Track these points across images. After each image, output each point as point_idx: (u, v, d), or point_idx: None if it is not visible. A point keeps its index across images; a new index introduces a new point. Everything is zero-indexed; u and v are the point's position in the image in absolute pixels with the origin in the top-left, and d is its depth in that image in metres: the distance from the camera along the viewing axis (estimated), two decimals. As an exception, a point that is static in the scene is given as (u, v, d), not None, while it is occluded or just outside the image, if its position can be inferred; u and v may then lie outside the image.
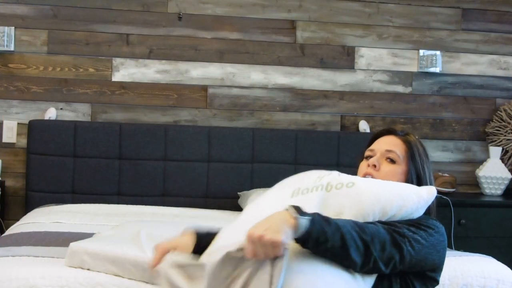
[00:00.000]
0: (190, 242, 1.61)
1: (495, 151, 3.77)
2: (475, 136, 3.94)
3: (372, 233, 1.42)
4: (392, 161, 1.71)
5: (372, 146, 1.77)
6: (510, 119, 3.84)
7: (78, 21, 3.55)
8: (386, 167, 1.70)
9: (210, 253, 1.47)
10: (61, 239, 2.28)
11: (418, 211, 1.58)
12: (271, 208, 1.43)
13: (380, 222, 1.51)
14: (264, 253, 1.29)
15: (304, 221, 1.32)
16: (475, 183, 3.87)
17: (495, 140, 3.87)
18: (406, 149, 1.72)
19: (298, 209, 1.35)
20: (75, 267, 1.93)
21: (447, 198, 3.42)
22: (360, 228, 1.41)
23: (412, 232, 1.50)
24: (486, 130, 3.92)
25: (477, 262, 2.26)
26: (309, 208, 1.41)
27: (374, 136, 1.82)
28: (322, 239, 1.34)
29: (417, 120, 3.87)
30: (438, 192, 3.76)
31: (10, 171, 3.49)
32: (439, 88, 3.90)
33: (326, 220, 1.37)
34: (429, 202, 1.60)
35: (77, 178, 3.37)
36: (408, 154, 1.71)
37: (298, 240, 1.35)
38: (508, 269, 2.25)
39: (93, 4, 3.56)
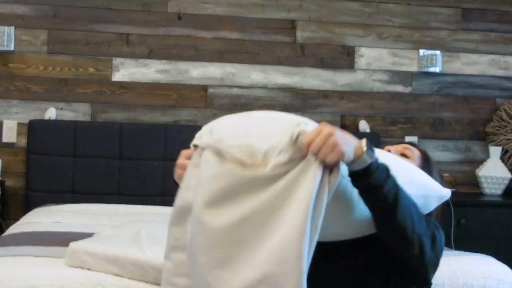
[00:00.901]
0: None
1: (495, 151, 3.77)
2: (475, 136, 3.94)
3: (429, 222, 1.39)
4: (406, 156, 1.68)
5: (389, 147, 1.77)
6: (510, 119, 3.84)
7: (78, 21, 3.55)
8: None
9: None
10: (61, 239, 2.28)
11: (432, 200, 1.54)
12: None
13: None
14: (321, 150, 1.21)
15: (368, 159, 1.27)
16: (475, 183, 3.87)
17: (495, 140, 3.87)
18: (421, 154, 1.71)
19: (370, 148, 1.29)
20: (75, 267, 1.93)
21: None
22: (414, 204, 1.37)
23: (436, 229, 1.47)
24: (486, 130, 3.92)
25: (477, 262, 2.26)
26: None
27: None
28: (376, 186, 1.29)
29: (417, 120, 3.87)
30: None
31: (10, 171, 3.49)
32: (439, 88, 3.90)
33: (388, 174, 1.31)
34: (444, 198, 1.57)
35: (77, 178, 3.37)
36: (422, 158, 1.70)
37: (353, 174, 1.29)
38: (508, 269, 2.25)
39: (93, 4, 3.56)
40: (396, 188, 1.31)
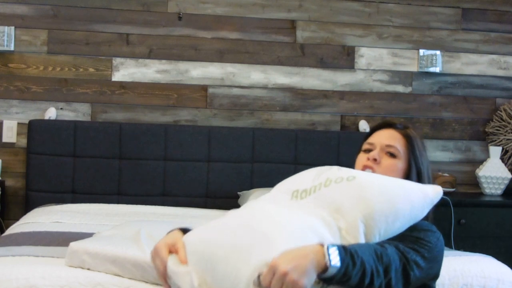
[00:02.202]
0: (178, 235, 1.55)
1: (495, 151, 3.77)
2: (475, 136, 3.94)
3: (389, 261, 1.39)
4: (393, 155, 1.67)
5: (371, 139, 1.73)
6: (510, 119, 3.84)
7: (78, 21, 3.55)
8: (386, 161, 1.66)
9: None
10: (61, 239, 2.28)
11: (422, 210, 1.53)
12: (270, 211, 1.39)
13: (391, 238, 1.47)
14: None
15: (335, 270, 1.27)
16: (475, 183, 3.87)
17: (495, 140, 3.87)
18: (406, 144, 1.68)
19: (330, 248, 1.28)
20: (75, 267, 1.93)
21: (447, 198, 3.42)
22: (380, 256, 1.37)
23: (417, 252, 1.47)
24: (486, 130, 3.92)
25: (477, 262, 2.26)
26: (305, 212, 1.36)
27: (373, 129, 1.78)
28: (344, 279, 1.30)
29: (417, 120, 3.87)
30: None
31: (10, 171, 3.49)
32: (439, 88, 3.90)
33: (352, 257, 1.31)
34: (435, 202, 1.56)
35: (77, 178, 3.37)
36: (408, 149, 1.68)
37: (320, 277, 1.30)
38: (508, 269, 2.25)
39: (93, 4, 3.56)
40: (363, 266, 1.32)
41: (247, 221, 1.43)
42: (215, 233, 1.44)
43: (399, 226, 1.47)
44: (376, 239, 1.43)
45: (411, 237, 1.50)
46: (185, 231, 1.57)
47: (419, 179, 1.66)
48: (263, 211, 1.47)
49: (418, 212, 1.50)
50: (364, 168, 1.68)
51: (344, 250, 1.29)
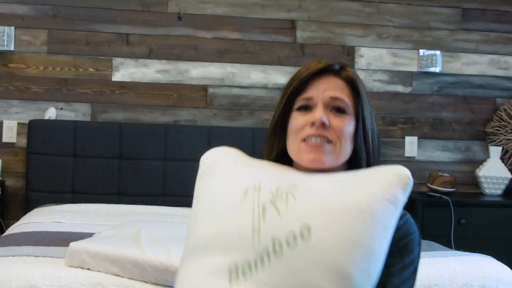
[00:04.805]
0: None
1: (495, 151, 3.77)
2: (475, 136, 3.94)
3: None
4: (341, 110, 1.26)
5: (308, 93, 1.28)
6: (510, 119, 3.84)
7: (78, 21, 3.55)
8: (336, 121, 1.25)
9: None
10: (61, 239, 2.28)
11: (397, 218, 1.16)
12: None
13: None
14: None
15: None
16: (475, 183, 3.87)
17: (495, 140, 3.87)
18: (351, 92, 1.29)
19: None
20: (75, 267, 1.93)
21: (447, 198, 3.42)
22: None
23: (408, 281, 1.20)
24: (486, 130, 3.92)
25: (477, 262, 2.26)
26: None
27: (305, 78, 1.30)
28: None
29: (417, 120, 3.87)
30: (438, 192, 3.77)
31: (10, 171, 3.49)
32: (439, 88, 3.90)
33: None
34: (406, 199, 1.17)
35: (77, 178, 3.37)
36: (354, 99, 1.29)
37: None
38: (508, 269, 2.25)
39: (93, 4, 3.56)
40: None
41: None
42: None
43: (381, 264, 1.12)
44: None
45: (395, 264, 1.19)
46: None
47: (365, 140, 1.29)
48: None
49: (393, 226, 1.15)
50: (309, 138, 1.24)
51: None
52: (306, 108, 1.27)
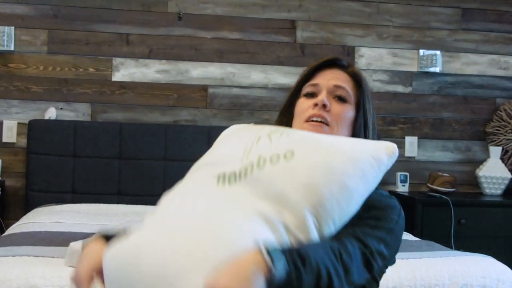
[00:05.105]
0: (100, 250, 1.25)
1: (495, 151, 3.77)
2: (475, 136, 3.94)
3: (350, 259, 1.16)
4: (342, 99, 1.40)
5: (315, 80, 1.43)
6: (510, 119, 3.84)
7: (78, 21, 3.55)
8: (336, 107, 1.39)
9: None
10: (61, 239, 2.28)
11: (377, 180, 1.27)
12: (196, 202, 1.17)
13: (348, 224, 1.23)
14: None
15: (280, 272, 1.03)
16: (475, 183, 3.87)
17: (495, 140, 3.87)
18: (355, 85, 1.43)
19: (271, 251, 1.04)
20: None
21: (447, 198, 3.42)
22: (339, 254, 1.15)
23: (379, 240, 1.25)
24: (486, 130, 3.92)
25: (477, 262, 2.26)
26: (240, 207, 1.12)
27: (314, 68, 1.47)
28: (296, 284, 1.06)
29: (417, 120, 3.87)
30: (438, 192, 3.77)
31: (10, 171, 3.49)
32: (439, 88, 3.90)
33: (302, 258, 1.08)
34: (390, 165, 1.28)
35: (77, 178, 3.37)
36: (357, 91, 1.42)
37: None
38: (508, 269, 2.25)
39: (93, 4, 3.56)
40: (317, 269, 1.09)
41: (173, 234, 1.14)
42: (133, 256, 1.16)
43: (354, 206, 1.22)
44: (331, 229, 1.19)
45: (369, 219, 1.26)
46: (109, 238, 1.28)
47: (365, 130, 1.41)
48: (190, 215, 1.17)
49: (372, 184, 1.25)
50: (311, 118, 1.38)
51: (290, 253, 1.07)
52: (312, 95, 1.42)
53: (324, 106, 1.37)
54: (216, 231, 1.11)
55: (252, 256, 1.03)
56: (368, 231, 1.24)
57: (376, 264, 1.23)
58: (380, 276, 1.37)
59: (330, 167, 1.20)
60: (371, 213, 1.27)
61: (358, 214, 1.24)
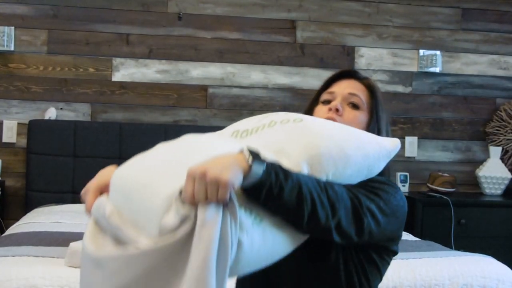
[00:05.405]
0: (110, 172, 1.42)
1: (495, 151, 3.77)
2: (475, 136, 3.94)
3: (336, 196, 1.21)
4: (355, 106, 1.50)
5: (332, 89, 1.55)
6: (510, 119, 3.84)
7: (78, 21, 3.55)
8: (349, 112, 1.48)
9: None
10: (61, 239, 2.28)
11: (378, 163, 1.36)
12: (205, 147, 1.24)
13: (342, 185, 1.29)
14: (206, 193, 1.05)
15: (259, 168, 1.09)
16: (475, 183, 3.87)
17: (495, 140, 3.87)
18: (369, 95, 1.53)
19: (254, 154, 1.11)
20: (75, 267, 1.93)
21: (447, 198, 3.42)
22: (324, 187, 1.20)
23: (371, 200, 1.29)
24: (486, 130, 3.92)
25: (477, 262, 2.26)
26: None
27: (332, 78, 1.59)
28: (276, 193, 1.12)
29: (417, 120, 3.87)
30: (438, 192, 3.77)
31: (10, 171, 3.49)
32: (439, 88, 3.90)
33: (285, 171, 1.15)
34: (392, 155, 1.40)
35: (77, 178, 3.37)
36: (371, 100, 1.52)
37: (247, 190, 1.12)
38: (508, 269, 2.25)
39: (93, 4, 3.56)
40: (299, 184, 1.16)
41: (172, 152, 1.31)
42: (135, 168, 1.32)
43: (350, 174, 1.30)
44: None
45: (364, 186, 1.32)
46: None
47: (378, 135, 1.48)
48: (191, 143, 1.35)
49: (372, 163, 1.34)
50: None
51: (273, 164, 1.14)
52: (329, 102, 1.52)
53: (337, 110, 1.47)
54: (206, 149, 1.24)
55: (235, 155, 1.11)
56: (361, 191, 1.30)
57: (366, 219, 1.25)
58: (384, 266, 1.39)
59: (332, 134, 1.31)
60: (368, 183, 1.34)
61: (355, 184, 1.32)
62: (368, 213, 1.26)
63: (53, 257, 2.03)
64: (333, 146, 1.28)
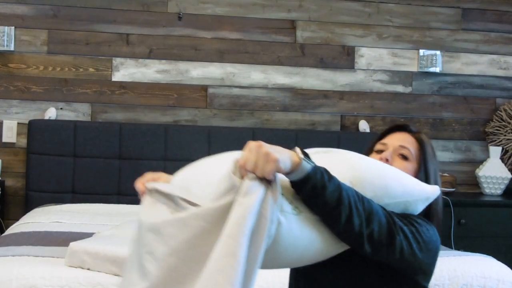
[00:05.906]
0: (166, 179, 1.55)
1: (495, 151, 3.77)
2: (475, 136, 3.94)
3: (371, 208, 1.32)
4: (405, 157, 1.62)
5: (385, 140, 1.69)
6: (510, 119, 3.84)
7: (78, 21, 3.55)
8: (398, 163, 1.61)
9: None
10: (61, 239, 2.28)
11: (416, 202, 1.47)
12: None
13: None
14: (256, 163, 1.18)
15: (308, 165, 1.24)
16: (475, 183, 3.87)
17: (495, 140, 3.87)
18: (419, 148, 1.65)
19: (304, 154, 1.26)
20: (75, 267, 1.93)
21: (447, 198, 3.42)
22: (362, 199, 1.32)
23: (405, 224, 1.39)
24: (486, 130, 3.92)
25: (477, 262, 2.26)
26: None
27: (386, 131, 1.74)
28: (319, 190, 1.25)
29: (417, 120, 3.87)
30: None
31: (10, 171, 3.49)
32: (439, 88, 3.90)
33: (329, 174, 1.28)
34: (431, 199, 1.49)
35: (77, 178, 3.37)
36: (420, 153, 1.64)
37: (294, 183, 1.26)
38: (508, 269, 2.25)
39: (93, 4, 3.56)
40: (339, 188, 1.28)
41: (223, 159, 1.43)
42: (193, 168, 1.49)
43: (387, 203, 1.40)
44: None
45: (400, 215, 1.43)
46: None
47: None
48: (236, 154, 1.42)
49: (410, 200, 1.45)
50: None
51: (319, 167, 1.27)
52: (381, 152, 1.65)
53: (386, 160, 1.60)
54: None
55: (288, 150, 1.24)
56: (396, 215, 1.39)
57: (398, 237, 1.35)
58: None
59: (377, 165, 1.45)
60: (404, 215, 1.44)
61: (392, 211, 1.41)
62: (401, 233, 1.36)
63: (53, 257, 2.04)
64: (375, 175, 1.40)
